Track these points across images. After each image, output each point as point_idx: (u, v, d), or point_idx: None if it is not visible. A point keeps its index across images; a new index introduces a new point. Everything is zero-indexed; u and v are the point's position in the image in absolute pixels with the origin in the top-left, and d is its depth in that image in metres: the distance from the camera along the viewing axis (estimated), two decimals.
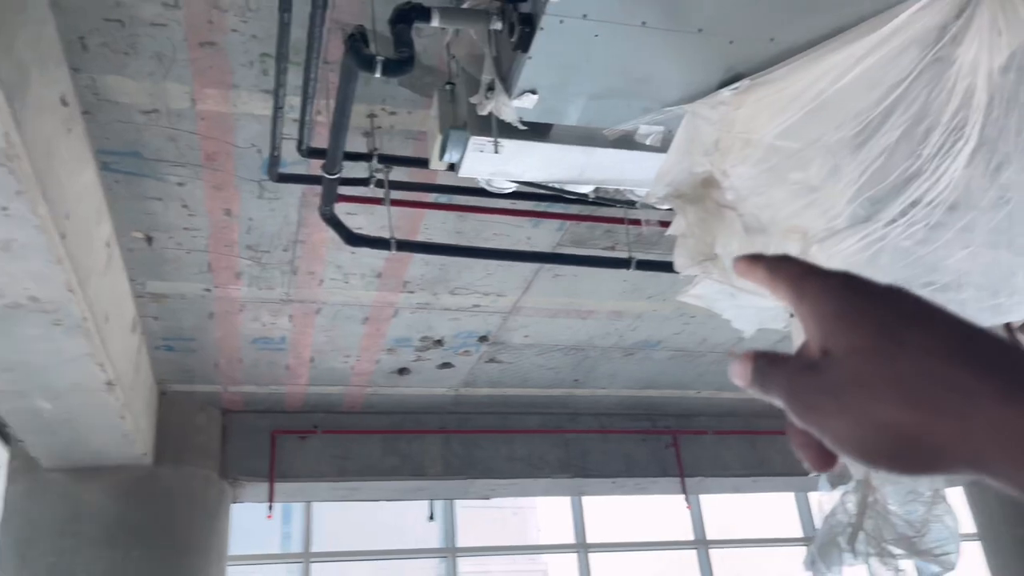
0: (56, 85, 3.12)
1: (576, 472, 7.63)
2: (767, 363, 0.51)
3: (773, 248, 2.38)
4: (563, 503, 8.45)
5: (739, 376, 0.53)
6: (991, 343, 0.44)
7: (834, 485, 3.42)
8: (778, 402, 0.50)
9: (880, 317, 0.46)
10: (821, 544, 3.18)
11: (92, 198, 3.81)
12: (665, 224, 2.89)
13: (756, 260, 0.55)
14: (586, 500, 8.40)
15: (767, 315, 2.59)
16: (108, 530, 5.77)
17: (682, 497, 7.85)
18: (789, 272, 0.52)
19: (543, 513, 8.76)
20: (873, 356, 0.44)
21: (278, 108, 3.18)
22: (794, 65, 2.33)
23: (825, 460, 0.51)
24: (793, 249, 2.33)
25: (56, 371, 4.27)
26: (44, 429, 5.10)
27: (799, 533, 9.03)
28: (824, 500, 3.44)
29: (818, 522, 8.31)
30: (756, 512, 9.22)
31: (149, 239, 4.57)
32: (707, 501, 8.66)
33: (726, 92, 2.49)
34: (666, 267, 4.26)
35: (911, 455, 0.43)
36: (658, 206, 2.67)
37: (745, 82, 2.44)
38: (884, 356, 0.44)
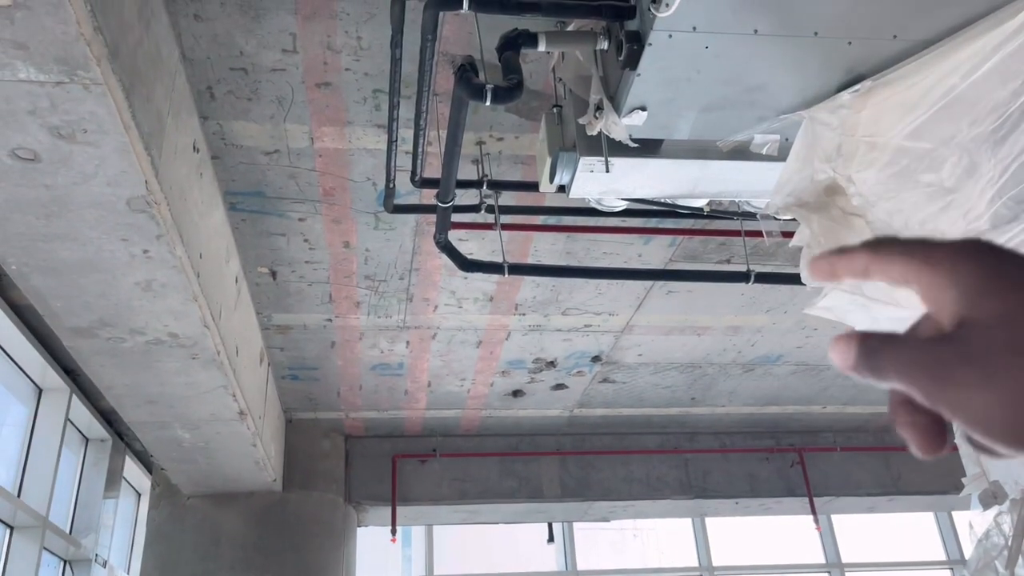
0: (188, 132, 3.32)
1: (697, 493, 7.44)
2: (879, 342, 0.47)
3: None
4: (685, 525, 8.23)
5: (841, 357, 0.48)
6: None
7: (987, 505, 3.18)
8: (896, 382, 0.45)
9: (1018, 297, 0.42)
10: (975, 569, 2.96)
11: (222, 237, 4.03)
12: (787, 235, 2.79)
13: (848, 253, 0.50)
14: (709, 521, 8.16)
15: (904, 325, 2.45)
16: (244, 553, 6.03)
17: (811, 518, 7.51)
18: (906, 247, 0.47)
19: (665, 535, 8.55)
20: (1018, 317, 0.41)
21: (391, 141, 3.27)
22: (920, 62, 2.21)
23: (937, 441, 0.46)
24: None
25: (194, 402, 4.51)
26: (184, 457, 5.39)
27: (941, 556, 8.47)
28: (976, 521, 3.21)
29: (965, 544, 7.77)
30: (893, 533, 8.70)
31: (274, 273, 4.78)
32: (839, 522, 8.25)
33: (846, 95, 2.39)
34: (786, 279, 4.12)
35: None
36: (779, 216, 2.58)
37: (867, 83, 2.34)
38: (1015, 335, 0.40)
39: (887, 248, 0.48)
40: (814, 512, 7.46)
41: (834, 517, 8.21)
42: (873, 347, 0.46)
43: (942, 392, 0.42)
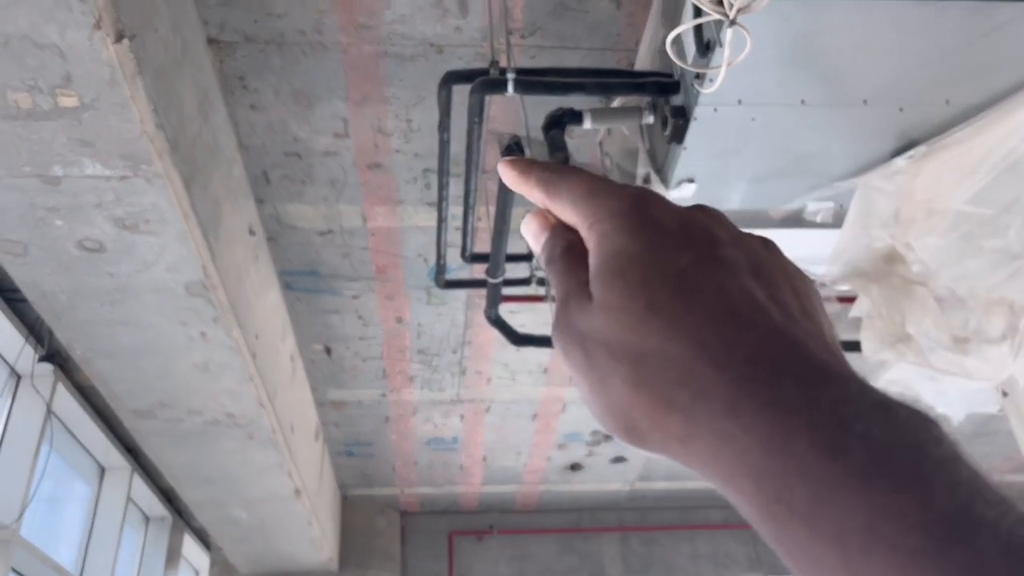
0: (244, 216, 3.41)
1: (768, 569, 7.11)
2: (562, 248, 0.43)
3: (974, 325, 2.16)
4: None
5: (531, 237, 0.46)
6: (745, 324, 0.35)
7: None
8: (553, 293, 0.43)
9: (645, 273, 0.37)
10: None
11: (277, 316, 4.09)
12: (845, 300, 2.71)
13: (526, 171, 0.46)
14: None
15: (976, 397, 2.33)
16: None
17: None
18: (576, 182, 0.43)
19: None
20: (622, 321, 0.37)
21: (441, 219, 3.31)
22: (977, 125, 2.16)
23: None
24: (999, 324, 2.11)
25: (250, 481, 4.52)
26: (241, 537, 5.38)
27: None
28: None
29: None
30: None
31: (328, 351, 4.83)
32: None
33: (901, 160, 2.34)
34: (847, 347, 3.99)
35: (638, 440, 0.37)
36: (836, 286, 2.52)
37: (922, 148, 2.29)
38: (632, 325, 0.36)
39: (558, 190, 0.45)
40: None
41: None
42: (553, 253, 0.44)
43: (558, 344, 0.40)
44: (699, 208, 0.42)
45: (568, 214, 0.43)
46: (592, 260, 0.40)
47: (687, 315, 0.36)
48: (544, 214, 0.46)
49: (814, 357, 0.34)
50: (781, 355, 0.34)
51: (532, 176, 0.46)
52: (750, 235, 0.42)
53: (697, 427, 0.34)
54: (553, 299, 0.45)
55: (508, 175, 0.47)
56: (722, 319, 0.35)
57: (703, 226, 0.40)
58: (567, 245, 0.43)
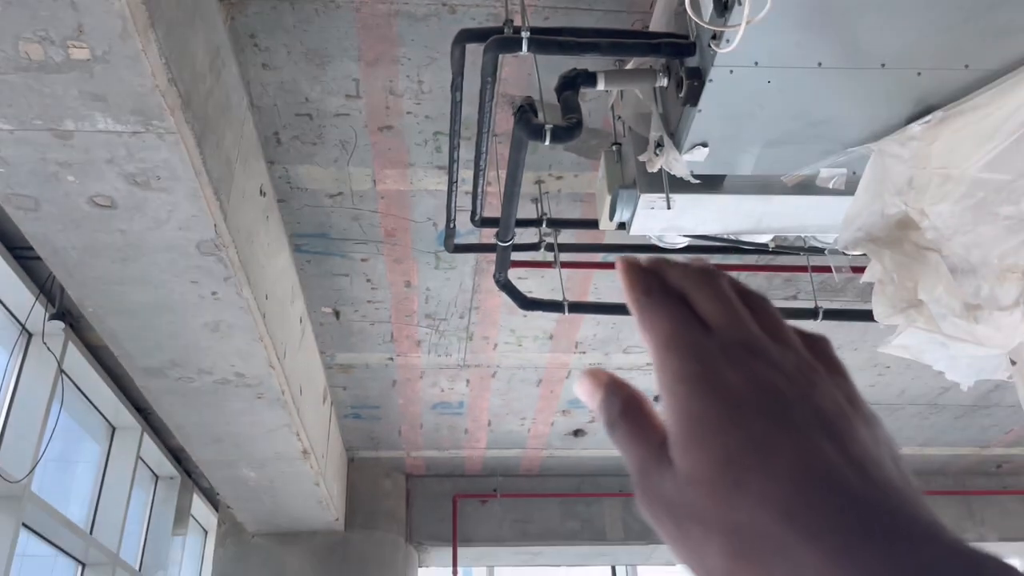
0: (256, 177, 3.41)
1: None
2: (620, 409, 0.43)
3: (986, 292, 2.16)
4: None
5: (585, 396, 0.44)
6: (840, 494, 0.36)
7: None
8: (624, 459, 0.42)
9: (724, 441, 0.38)
10: None
11: (287, 278, 4.11)
12: (857, 270, 2.70)
13: (631, 280, 0.44)
14: None
15: (986, 364, 2.33)
16: None
17: None
18: (658, 326, 0.42)
19: None
20: (712, 495, 0.37)
21: (452, 182, 3.30)
22: (995, 91, 2.14)
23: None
24: (1012, 292, 2.10)
25: (259, 441, 4.57)
26: (249, 496, 5.45)
27: None
28: None
29: None
30: None
31: (337, 313, 4.85)
32: None
33: (916, 126, 2.32)
34: (856, 315, 3.99)
35: None
36: (848, 252, 2.51)
37: (938, 114, 2.27)
38: (722, 499, 0.37)
39: (647, 306, 0.43)
40: None
41: None
42: (611, 409, 0.43)
43: (647, 511, 0.40)
44: (762, 357, 0.42)
45: (650, 353, 0.43)
46: (670, 422, 0.40)
47: (771, 484, 0.36)
48: (595, 373, 0.45)
49: (897, 516, 0.36)
50: (863, 520, 0.35)
51: (628, 295, 0.45)
52: (821, 381, 0.42)
53: None
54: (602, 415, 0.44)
55: (621, 277, 0.46)
56: (803, 487, 0.36)
57: (773, 385, 0.40)
58: (624, 405, 0.43)
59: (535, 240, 3.79)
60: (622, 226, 2.97)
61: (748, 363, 0.41)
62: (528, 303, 3.95)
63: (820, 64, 2.20)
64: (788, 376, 0.41)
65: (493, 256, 3.75)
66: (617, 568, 7.91)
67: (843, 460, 0.37)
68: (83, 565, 5.88)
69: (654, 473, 0.40)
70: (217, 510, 7.00)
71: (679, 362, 0.41)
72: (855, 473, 0.37)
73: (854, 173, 2.55)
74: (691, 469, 0.38)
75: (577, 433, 6.60)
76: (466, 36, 2.59)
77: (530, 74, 3.10)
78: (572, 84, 2.56)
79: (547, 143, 2.58)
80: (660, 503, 0.39)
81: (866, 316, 2.53)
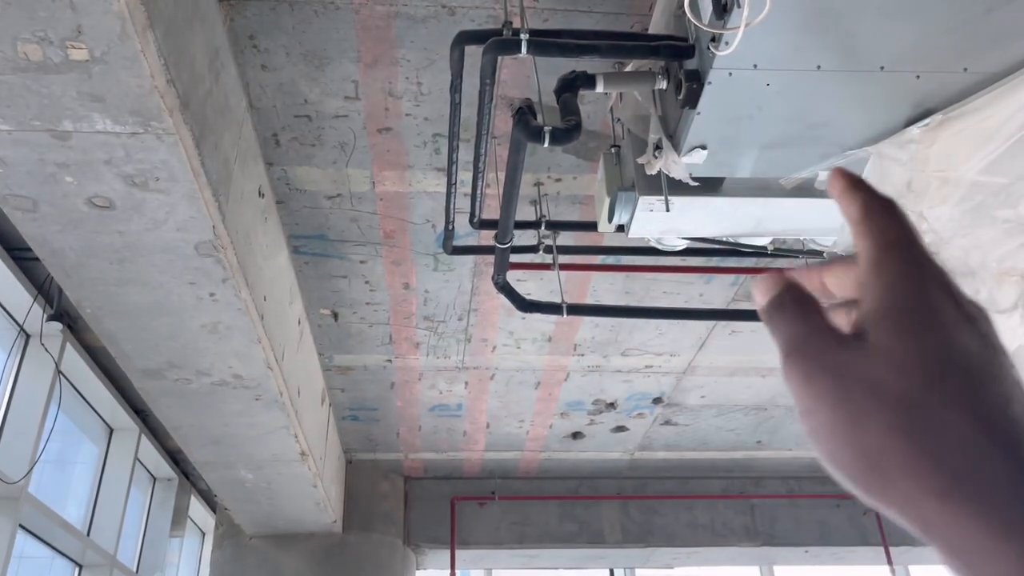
0: (254, 178, 3.41)
1: (764, 540, 7.18)
2: (794, 298, 0.45)
3: (985, 295, 2.16)
4: (752, 574, 7.95)
5: (760, 293, 0.46)
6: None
7: None
8: (780, 352, 0.43)
9: (938, 339, 0.39)
10: None
11: (285, 280, 4.10)
12: None
13: (857, 183, 0.46)
14: (778, 570, 7.86)
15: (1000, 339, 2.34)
16: None
17: (886, 568, 7.17)
18: (871, 209, 0.44)
19: None
20: (908, 371, 0.38)
21: (451, 184, 3.30)
22: (994, 94, 2.14)
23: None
24: (1010, 295, 2.10)
25: (256, 443, 4.56)
26: (247, 498, 5.44)
27: None
28: None
29: None
30: None
31: (335, 315, 4.85)
32: (918, 574, 7.86)
33: (915, 129, 2.32)
34: None
35: (879, 486, 0.38)
36: (847, 255, 2.51)
37: (937, 117, 2.27)
38: (919, 381, 0.38)
39: (856, 193, 0.45)
40: (890, 562, 7.13)
41: (912, 568, 7.82)
42: (785, 303, 0.45)
43: (801, 383, 0.41)
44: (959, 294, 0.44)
45: (868, 239, 0.44)
46: (879, 296, 0.41)
47: (977, 394, 0.37)
48: (776, 274, 0.47)
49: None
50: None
51: (858, 195, 0.46)
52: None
53: (965, 485, 0.35)
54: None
55: (838, 182, 0.48)
56: (1000, 410, 0.37)
57: (976, 308, 0.42)
58: (801, 296, 0.45)
59: (534, 242, 3.78)
60: (621, 228, 2.97)
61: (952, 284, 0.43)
62: (527, 305, 3.95)
63: (819, 67, 2.20)
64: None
65: (492, 258, 3.75)
66: (615, 571, 7.90)
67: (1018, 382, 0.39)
68: (80, 567, 5.86)
69: (828, 337, 0.41)
70: (215, 512, 6.98)
71: (910, 252, 0.43)
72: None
73: None
74: (894, 341, 0.39)
75: (575, 436, 6.60)
76: (465, 38, 2.59)
77: (529, 76, 3.10)
78: (571, 86, 2.56)
79: (546, 145, 2.58)
80: (823, 363, 0.40)
81: None
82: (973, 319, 0.41)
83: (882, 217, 0.44)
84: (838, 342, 0.41)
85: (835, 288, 0.48)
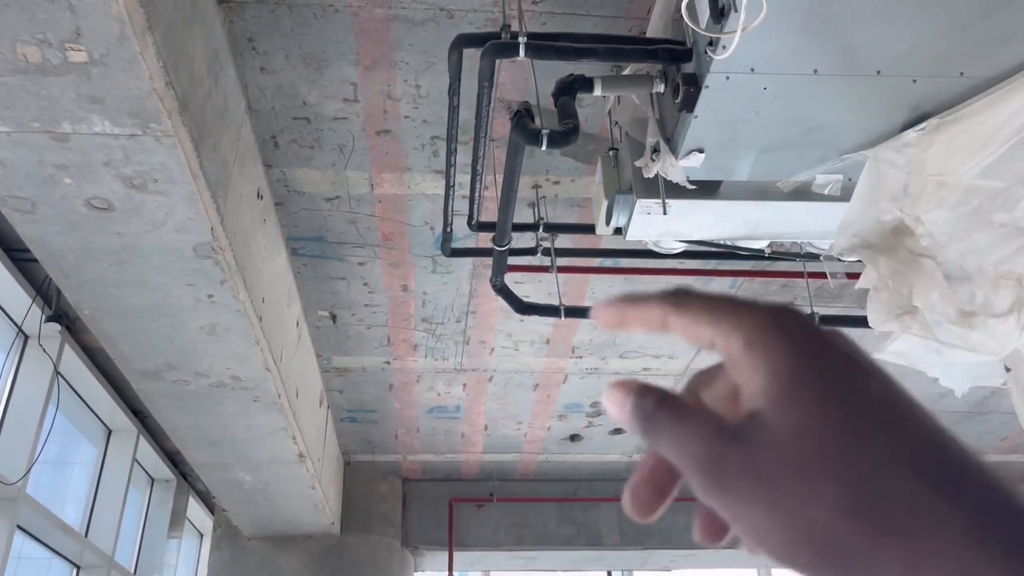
0: (253, 180, 3.41)
1: None
2: (655, 404, 0.40)
3: (981, 299, 2.17)
4: None
5: (615, 408, 0.42)
6: (964, 459, 0.35)
7: None
8: (672, 461, 0.39)
9: (846, 396, 0.37)
10: None
11: (284, 281, 4.11)
12: (853, 276, 2.71)
13: (643, 302, 0.43)
14: (776, 573, 7.86)
15: (980, 371, 2.34)
16: None
17: None
18: (711, 307, 0.41)
19: None
20: (827, 445, 0.36)
21: (449, 186, 3.31)
22: (990, 98, 2.15)
23: (717, 533, 0.42)
24: (1006, 298, 2.11)
25: (254, 444, 4.56)
26: (245, 499, 5.44)
27: None
28: None
29: None
30: None
31: (334, 317, 4.85)
32: None
33: (912, 133, 2.33)
34: (851, 322, 3.99)
35: (843, 568, 0.35)
36: (843, 258, 2.52)
37: (933, 121, 2.28)
38: (839, 449, 0.35)
39: (689, 303, 0.42)
40: None
41: None
42: (645, 410, 0.40)
43: (720, 496, 0.37)
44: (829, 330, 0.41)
45: (702, 326, 0.41)
46: (762, 378, 0.38)
47: (899, 444, 0.36)
48: (623, 382, 0.43)
49: (988, 472, 0.36)
50: (980, 482, 0.35)
51: (651, 298, 0.43)
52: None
53: (928, 556, 0.33)
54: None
55: (609, 310, 0.45)
56: (928, 443, 0.36)
57: (847, 342, 0.40)
58: (660, 397, 0.41)
59: (532, 244, 3.79)
60: (618, 231, 2.98)
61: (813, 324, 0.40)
62: (525, 307, 3.96)
63: (816, 71, 2.21)
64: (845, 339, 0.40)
65: (490, 260, 3.75)
66: (613, 573, 7.90)
67: (955, 440, 0.37)
68: (78, 568, 5.86)
69: (728, 442, 0.38)
70: (213, 513, 6.98)
71: (752, 312, 0.40)
72: (968, 454, 0.37)
73: (850, 179, 2.55)
74: (800, 422, 0.36)
75: (573, 438, 6.60)
76: (463, 41, 2.60)
77: (527, 79, 3.11)
78: (569, 89, 2.56)
79: (544, 148, 2.59)
80: (742, 470, 0.37)
81: (861, 322, 2.53)
82: (871, 370, 0.38)
83: (729, 313, 0.41)
84: (737, 440, 0.38)
85: (705, 396, 0.44)
